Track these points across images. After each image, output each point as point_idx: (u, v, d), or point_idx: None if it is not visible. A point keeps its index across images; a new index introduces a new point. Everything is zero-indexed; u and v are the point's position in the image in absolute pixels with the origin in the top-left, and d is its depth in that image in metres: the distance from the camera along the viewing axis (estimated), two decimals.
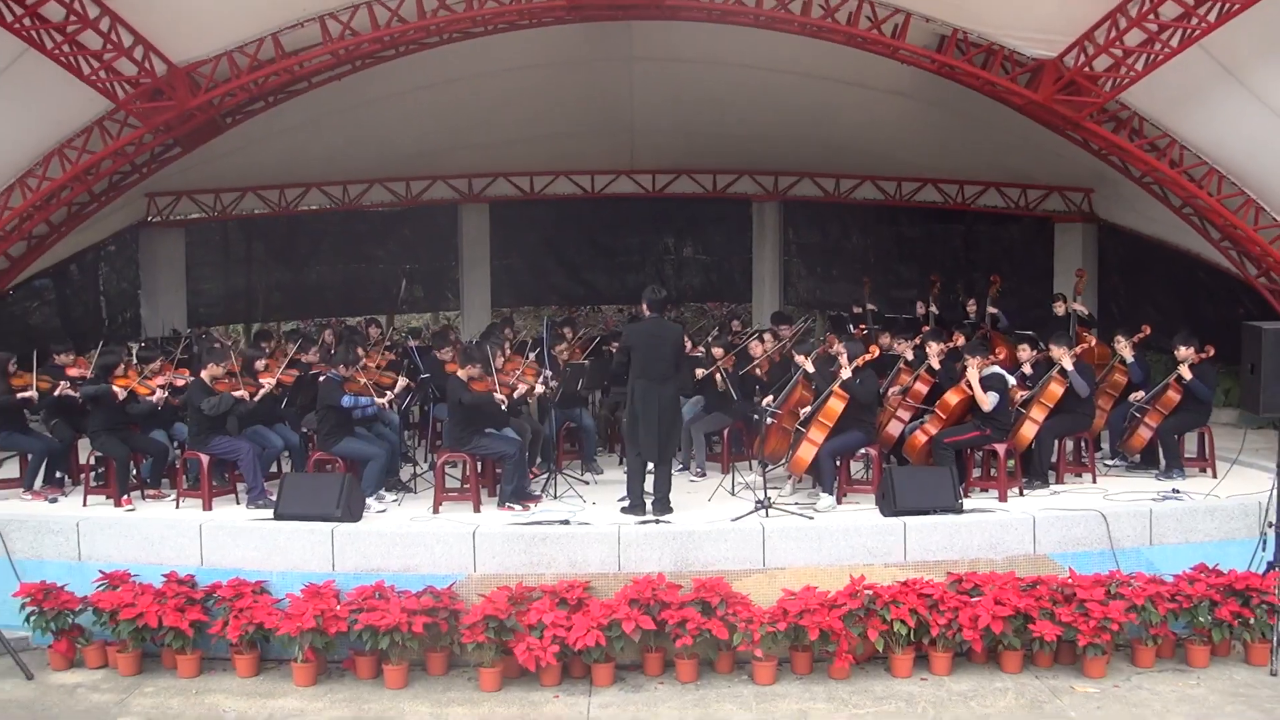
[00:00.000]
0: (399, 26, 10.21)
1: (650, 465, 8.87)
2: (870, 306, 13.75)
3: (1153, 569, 8.07)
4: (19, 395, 9.39)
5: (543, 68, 13.04)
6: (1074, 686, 7.30)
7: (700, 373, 10.36)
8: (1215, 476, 9.51)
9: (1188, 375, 9.48)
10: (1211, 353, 9.66)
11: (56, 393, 9.42)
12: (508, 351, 10.62)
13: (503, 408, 9.08)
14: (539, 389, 9.84)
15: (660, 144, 15.96)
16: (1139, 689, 7.28)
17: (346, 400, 9.09)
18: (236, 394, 9.05)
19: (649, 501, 8.68)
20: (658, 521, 8.28)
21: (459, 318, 18.44)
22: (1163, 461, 9.72)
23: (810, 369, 9.31)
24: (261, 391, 9.34)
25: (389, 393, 9.57)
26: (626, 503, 8.78)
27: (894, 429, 9.62)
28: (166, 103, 10.33)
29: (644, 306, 8.95)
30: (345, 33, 10.24)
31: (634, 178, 17.33)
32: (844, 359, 8.98)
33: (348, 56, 10.75)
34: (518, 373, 9.77)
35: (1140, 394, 9.84)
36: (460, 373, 9.09)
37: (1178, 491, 8.92)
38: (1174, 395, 9.57)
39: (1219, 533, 8.42)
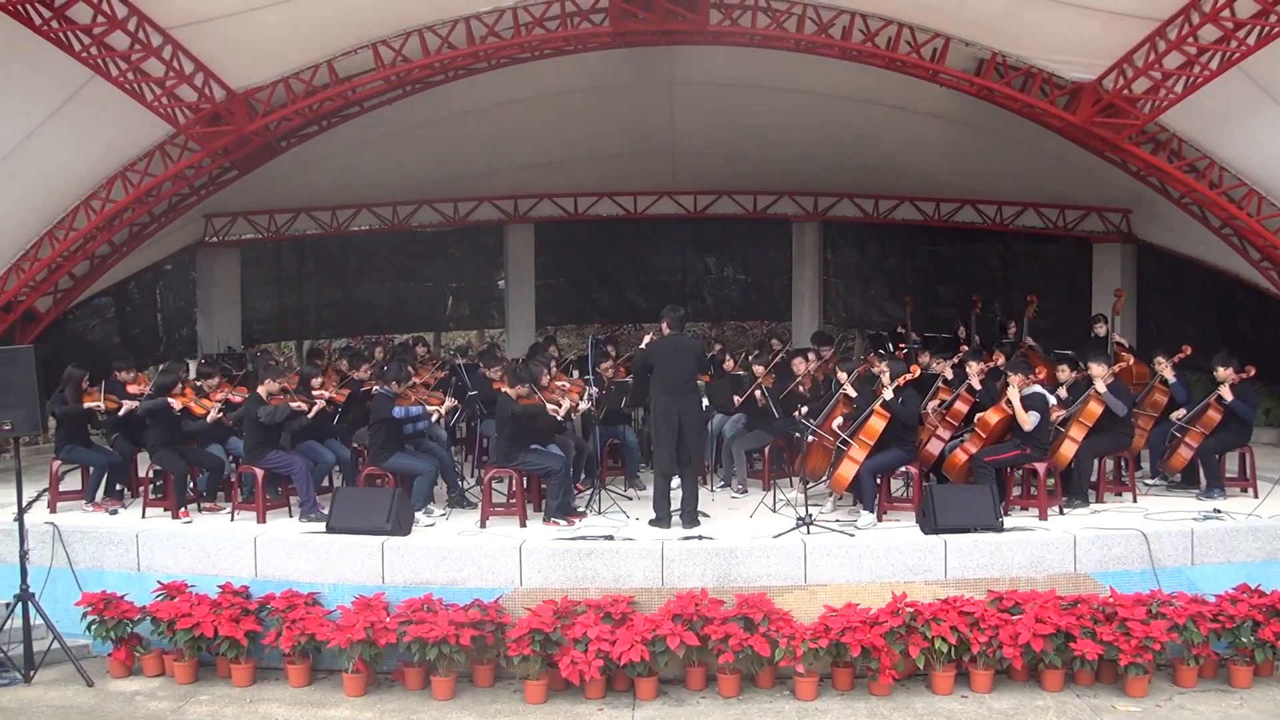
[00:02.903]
0: (449, 53, 10.46)
1: (677, 479, 9.01)
2: (900, 331, 13.83)
3: (1194, 589, 8.03)
4: (86, 405, 9.69)
5: (587, 92, 13.25)
6: (1115, 705, 7.28)
7: (737, 400, 10.47)
8: (1257, 496, 9.45)
9: (1229, 396, 9.43)
10: (1253, 373, 9.63)
11: (121, 413, 9.70)
12: (553, 369, 10.78)
13: (557, 417, 9.18)
14: (583, 405, 9.97)
15: (701, 165, 16.13)
16: (1181, 709, 7.25)
17: (398, 412, 9.25)
18: (294, 405, 9.29)
19: (675, 515, 8.79)
20: (700, 538, 8.36)
21: (503, 335, 18.67)
22: (1203, 481, 9.68)
23: (852, 392, 9.38)
24: (316, 408, 9.57)
25: (438, 410, 9.76)
26: (653, 516, 8.90)
27: (934, 447, 9.63)
28: (225, 127, 10.65)
29: (664, 324, 9.12)
30: (397, 59, 10.51)
31: (675, 199, 17.51)
32: (886, 378, 9.05)
33: (399, 82, 11.02)
34: (564, 389, 9.91)
35: (1181, 412, 9.81)
36: (510, 391, 9.23)
37: (1219, 511, 8.86)
38: (1215, 415, 9.52)
39: (1261, 553, 8.35)
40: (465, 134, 14.08)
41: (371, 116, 12.08)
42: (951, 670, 7.55)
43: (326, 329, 18.13)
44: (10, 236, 11.53)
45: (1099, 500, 9.50)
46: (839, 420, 9.25)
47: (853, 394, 9.35)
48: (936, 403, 9.84)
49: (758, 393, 10.39)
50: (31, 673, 7.90)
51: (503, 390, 9.34)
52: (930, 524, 8.37)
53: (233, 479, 9.77)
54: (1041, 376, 9.75)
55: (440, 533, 8.81)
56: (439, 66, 10.77)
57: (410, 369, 10.03)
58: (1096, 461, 9.58)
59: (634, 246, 18.90)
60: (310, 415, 9.49)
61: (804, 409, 9.76)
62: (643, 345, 9.34)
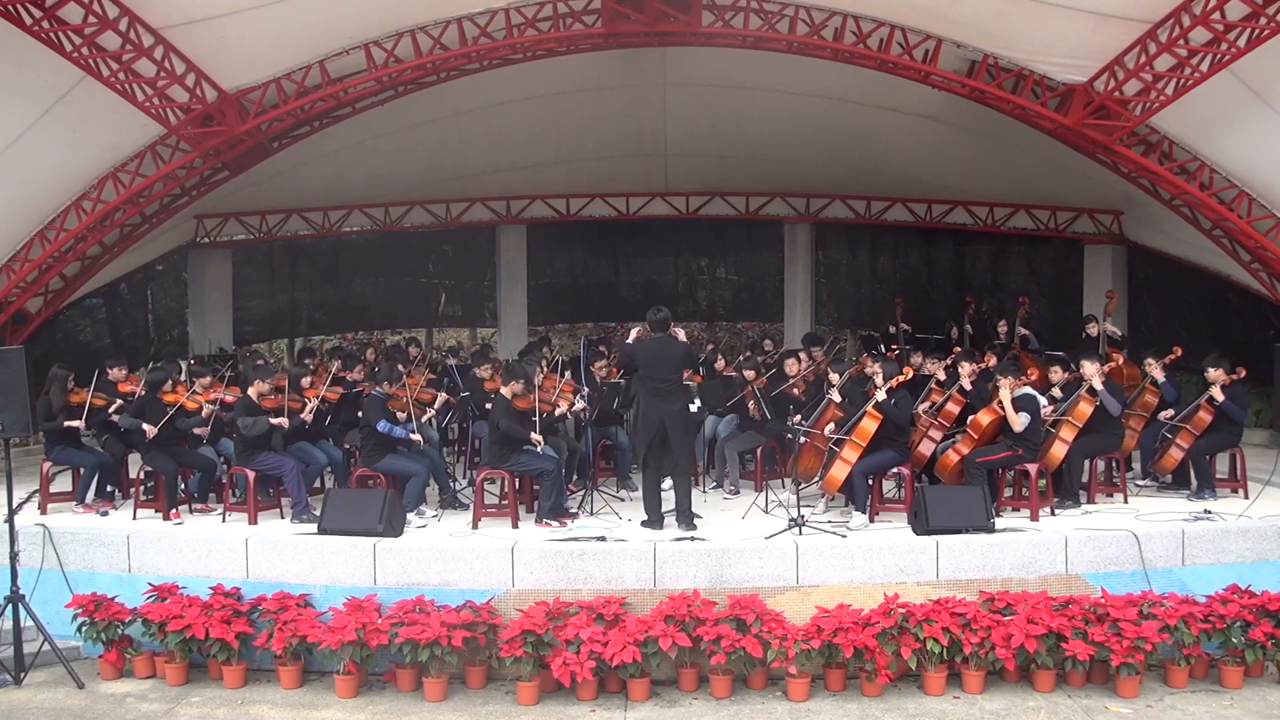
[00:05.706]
0: (441, 54, 10.45)
1: (667, 481, 9.00)
2: (904, 326, 13.83)
3: (1185, 589, 8.06)
4: (67, 424, 9.64)
5: (579, 93, 13.25)
6: (1107, 706, 7.30)
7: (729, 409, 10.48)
8: (1247, 497, 9.49)
9: (1220, 397, 9.48)
10: (1243, 374, 9.66)
11: (111, 410, 9.67)
12: (544, 370, 10.78)
13: (534, 432, 9.18)
14: (578, 404, 9.96)
15: (693, 167, 16.13)
16: (1172, 709, 7.27)
17: (382, 426, 9.26)
18: (274, 420, 9.26)
19: (668, 516, 8.78)
20: (693, 539, 8.36)
21: (495, 336, 18.66)
22: (1194, 482, 9.71)
23: (837, 398, 9.39)
24: (309, 408, 9.55)
25: (430, 409, 9.74)
26: (645, 518, 8.89)
27: (926, 448, 9.66)
28: (217, 128, 10.63)
29: (647, 326, 9.10)
30: (389, 60, 10.50)
31: (668, 200, 17.49)
32: (879, 379, 9.07)
33: (391, 83, 11.01)
34: (556, 390, 9.91)
35: (1170, 411, 9.85)
36: (504, 390, 9.23)
37: (1210, 512, 8.90)
38: (1205, 416, 9.56)
39: (1251, 554, 8.38)
40: (457, 135, 14.07)
41: (363, 117, 12.06)
42: (943, 671, 7.56)
43: (318, 329, 18.10)
44: (1, 236, 11.50)
45: (1090, 501, 9.54)
46: (829, 418, 9.25)
47: (838, 399, 9.37)
48: (928, 404, 9.85)
49: (750, 399, 10.38)
50: (22, 675, 7.88)
51: (499, 391, 9.32)
52: (922, 525, 8.39)
53: (224, 480, 9.75)
54: (1033, 378, 9.78)
55: (432, 534, 8.81)
56: (431, 67, 10.77)
57: (401, 369, 9.99)
58: (1087, 462, 9.60)
59: (626, 247, 18.93)
60: (302, 416, 9.47)
61: (790, 407, 9.78)
62: (629, 339, 9.27)
